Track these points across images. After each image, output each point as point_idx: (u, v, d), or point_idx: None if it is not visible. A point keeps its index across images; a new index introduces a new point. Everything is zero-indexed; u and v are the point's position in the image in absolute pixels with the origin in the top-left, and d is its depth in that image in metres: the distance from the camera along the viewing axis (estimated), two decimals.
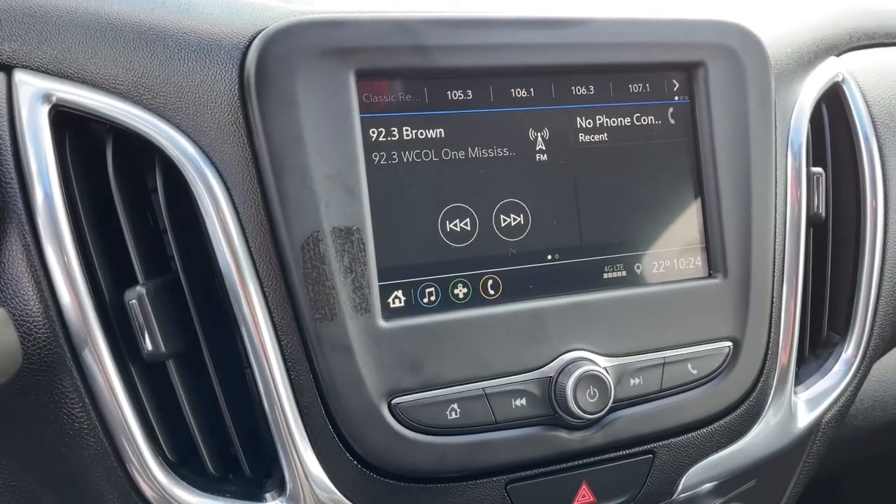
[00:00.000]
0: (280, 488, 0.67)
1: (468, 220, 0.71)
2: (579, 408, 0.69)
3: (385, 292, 0.68)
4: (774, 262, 0.80)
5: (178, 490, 0.65)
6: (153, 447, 0.65)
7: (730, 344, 0.78)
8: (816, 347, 0.91)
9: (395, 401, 0.67)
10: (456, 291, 0.70)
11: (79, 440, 0.64)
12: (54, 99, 0.63)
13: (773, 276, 0.80)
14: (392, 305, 0.68)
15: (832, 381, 0.88)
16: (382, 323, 0.67)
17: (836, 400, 0.88)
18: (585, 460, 0.74)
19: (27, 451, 0.66)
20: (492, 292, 0.72)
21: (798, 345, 0.84)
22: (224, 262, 0.64)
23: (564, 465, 0.73)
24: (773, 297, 0.80)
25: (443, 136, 0.70)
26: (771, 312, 0.80)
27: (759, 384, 0.80)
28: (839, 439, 0.96)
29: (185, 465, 0.67)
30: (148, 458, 0.64)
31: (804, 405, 0.86)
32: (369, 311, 0.66)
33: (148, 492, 0.65)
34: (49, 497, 0.68)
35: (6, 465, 0.67)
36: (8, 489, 0.67)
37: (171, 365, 0.66)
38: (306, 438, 0.66)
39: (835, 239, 0.90)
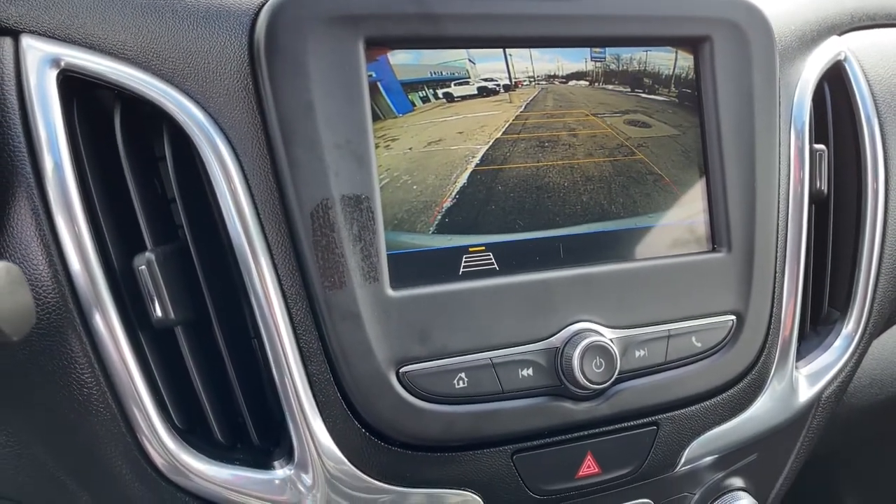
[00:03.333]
0: (288, 457, 0.67)
1: None
2: (585, 378, 0.70)
3: (394, 262, 0.68)
4: (777, 237, 0.81)
5: (187, 457, 0.65)
6: (162, 414, 0.65)
7: (733, 317, 0.78)
8: (817, 324, 0.92)
9: (403, 369, 0.67)
10: None
11: (88, 406, 0.64)
12: (62, 64, 0.62)
13: (776, 251, 0.81)
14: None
15: (832, 357, 0.89)
16: (391, 292, 0.67)
17: (836, 375, 0.89)
18: (590, 431, 0.74)
19: (38, 419, 0.66)
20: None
21: (800, 320, 0.84)
22: (234, 229, 0.64)
23: (570, 436, 0.73)
24: (775, 272, 0.81)
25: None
26: (774, 287, 0.81)
27: (762, 358, 0.81)
28: (837, 418, 0.97)
29: (193, 433, 0.67)
30: (157, 424, 0.64)
31: (805, 380, 0.87)
32: (378, 280, 0.66)
33: (157, 458, 0.65)
34: (58, 465, 0.68)
35: (16, 434, 0.67)
36: (15, 457, 0.67)
37: (180, 332, 0.66)
38: (315, 407, 0.66)
39: (836, 216, 0.91)
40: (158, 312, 0.63)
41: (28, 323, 0.56)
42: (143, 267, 0.63)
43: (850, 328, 0.90)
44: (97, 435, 0.65)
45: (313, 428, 0.66)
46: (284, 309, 0.65)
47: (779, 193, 0.81)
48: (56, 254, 0.61)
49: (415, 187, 0.69)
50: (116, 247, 0.64)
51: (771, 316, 0.81)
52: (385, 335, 0.66)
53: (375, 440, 0.67)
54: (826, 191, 0.88)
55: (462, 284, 0.69)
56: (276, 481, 0.67)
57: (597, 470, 0.75)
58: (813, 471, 1.27)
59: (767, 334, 0.81)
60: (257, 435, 0.68)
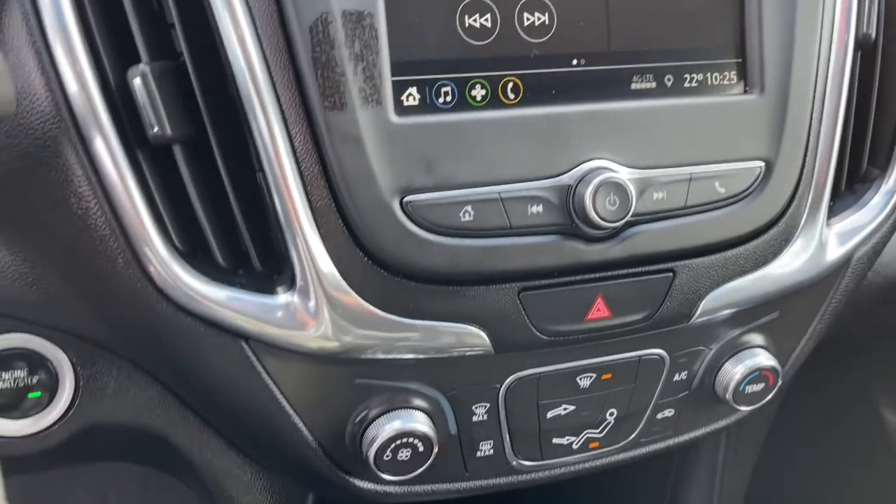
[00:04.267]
0: (290, 283, 0.66)
1: (489, 15, 0.67)
2: (598, 215, 0.67)
3: (399, 88, 0.65)
4: (816, 81, 0.75)
5: (187, 276, 0.65)
6: (162, 234, 0.65)
7: (762, 164, 0.74)
8: (854, 182, 0.87)
9: (407, 199, 0.65)
10: (473, 93, 0.67)
11: (86, 221, 0.64)
12: None
13: (814, 97, 0.76)
14: (406, 103, 0.65)
15: (868, 216, 0.84)
16: (395, 118, 0.64)
17: (870, 235, 0.85)
18: (602, 274, 0.72)
19: (39, 236, 0.66)
20: (511, 96, 0.68)
21: (834, 175, 0.79)
22: (231, 46, 0.61)
23: (580, 277, 0.71)
24: (811, 119, 0.76)
25: None
26: (808, 135, 0.76)
27: (790, 209, 0.77)
28: (870, 289, 0.93)
29: (195, 257, 0.67)
30: (156, 242, 0.64)
31: (836, 237, 0.82)
32: (381, 104, 0.63)
33: (157, 277, 0.65)
34: (64, 285, 0.69)
35: (22, 252, 0.67)
36: (20, 277, 0.68)
37: (178, 151, 0.65)
38: (317, 233, 0.65)
39: (884, 65, 0.84)
40: (154, 127, 0.62)
41: (8, 107, 0.55)
42: (138, 79, 0.61)
43: (891, 185, 0.84)
44: (97, 253, 0.65)
45: (315, 254, 0.65)
46: (285, 131, 0.63)
47: (821, 35, 0.75)
48: (48, 61, 0.60)
49: (423, 9, 0.65)
50: (112, 61, 0.63)
51: (803, 165, 0.76)
52: (388, 162, 0.64)
53: (379, 269, 0.66)
54: (874, 36, 0.81)
55: (472, 114, 0.66)
56: (278, 305, 0.66)
57: (607, 314, 0.73)
58: (841, 357, 1.24)
59: (798, 184, 0.76)
60: (259, 262, 0.68)
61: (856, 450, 1.37)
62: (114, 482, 1.80)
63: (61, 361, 0.74)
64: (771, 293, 0.80)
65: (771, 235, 0.77)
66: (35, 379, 0.73)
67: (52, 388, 0.75)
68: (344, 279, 0.66)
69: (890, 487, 1.30)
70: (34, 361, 0.73)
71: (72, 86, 0.61)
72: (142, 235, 0.64)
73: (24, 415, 0.74)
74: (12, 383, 0.72)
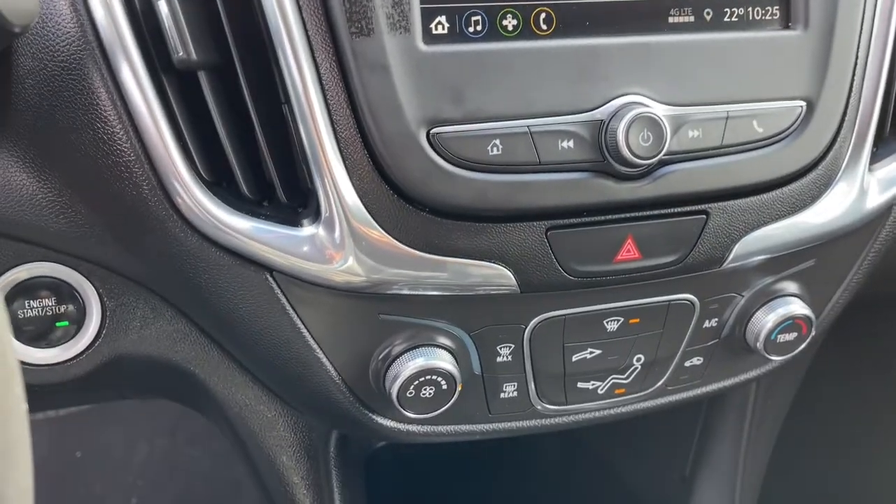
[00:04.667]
0: (315, 216, 0.66)
1: None
2: (630, 152, 0.65)
3: (427, 15, 0.63)
4: (863, 18, 0.72)
5: (213, 206, 0.65)
6: (187, 162, 0.64)
7: (803, 104, 0.71)
8: None
9: (434, 130, 0.63)
10: (504, 23, 0.65)
11: (111, 146, 0.63)
12: None
13: (860, 35, 0.72)
14: (434, 31, 0.64)
15: None
16: (423, 46, 0.62)
17: None
18: (633, 214, 0.70)
19: (66, 162, 0.66)
20: (544, 27, 0.66)
21: (879, 118, 0.76)
22: None
23: (610, 217, 0.70)
24: (856, 58, 0.73)
25: None
26: (853, 74, 0.73)
27: (831, 152, 0.74)
28: None
29: (220, 186, 0.67)
30: (181, 169, 0.64)
31: (878, 184, 0.79)
32: (409, 32, 0.62)
33: (182, 205, 0.65)
34: (90, 213, 0.69)
35: (47, 180, 0.67)
36: (49, 205, 0.68)
37: (203, 77, 0.64)
38: (342, 165, 0.64)
39: None
40: (179, 51, 0.61)
41: (30, 16, 0.54)
42: (163, 2, 0.60)
43: None
44: (122, 178, 0.64)
45: (340, 187, 0.64)
46: (311, 59, 0.62)
47: None
48: None
49: None
50: None
51: (846, 107, 0.73)
52: (415, 92, 0.62)
53: (404, 203, 0.65)
54: None
55: (502, 45, 0.65)
56: (303, 238, 0.66)
57: (637, 255, 0.71)
58: (875, 318, 1.21)
59: (840, 127, 0.73)
60: (285, 194, 0.67)
61: (887, 415, 1.35)
62: (145, 431, 1.85)
63: (88, 292, 0.74)
64: (807, 240, 0.77)
65: (810, 179, 0.74)
66: (63, 308, 0.74)
67: (79, 320, 0.75)
68: (369, 212, 0.65)
69: None
70: (62, 291, 0.73)
71: (97, 8, 0.60)
72: (167, 162, 0.63)
73: (52, 344, 0.75)
74: (40, 311, 0.73)
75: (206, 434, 1.84)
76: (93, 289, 0.74)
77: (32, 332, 0.74)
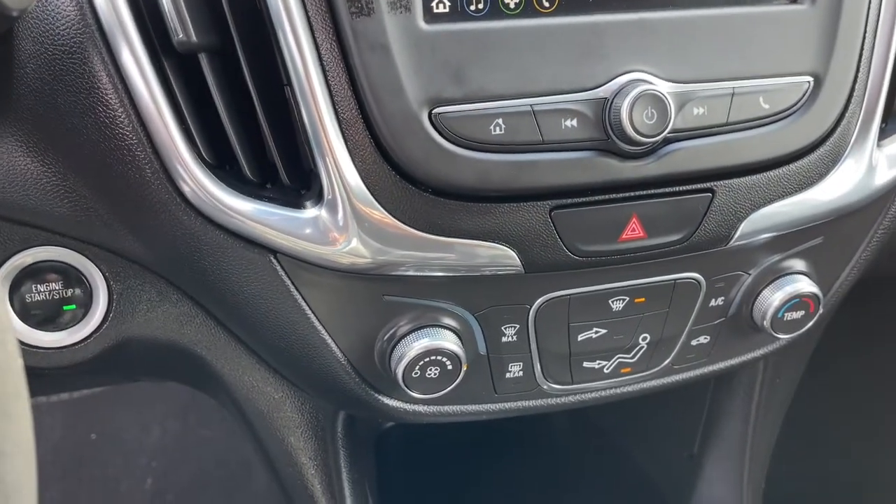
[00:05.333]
0: (318, 198, 0.66)
1: None
2: (634, 130, 0.64)
3: None
4: None
5: (216, 189, 0.65)
6: (189, 145, 0.64)
7: (810, 79, 0.70)
8: None
9: (436, 110, 0.63)
10: (506, 0, 0.65)
11: (113, 129, 0.63)
12: None
13: (868, 8, 0.71)
14: (436, 10, 0.63)
15: None
16: (424, 25, 0.62)
17: None
18: (638, 192, 0.70)
19: (69, 146, 0.66)
20: (546, 4, 0.65)
21: (888, 93, 0.75)
22: None
23: (614, 196, 0.69)
24: (864, 32, 0.72)
25: None
26: (861, 49, 0.72)
27: (839, 128, 0.73)
28: None
29: (222, 169, 0.67)
30: (183, 152, 0.64)
31: (886, 160, 0.78)
32: (410, 11, 0.61)
33: (185, 188, 0.65)
34: (92, 197, 0.69)
35: (51, 164, 0.68)
36: (53, 189, 0.68)
37: (204, 60, 0.63)
38: (343, 146, 0.63)
39: None
40: (179, 34, 0.61)
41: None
42: None
43: None
44: (125, 162, 0.64)
45: (342, 168, 0.64)
46: (311, 40, 0.61)
47: None
48: None
49: None
50: None
51: (854, 82, 0.72)
52: (417, 71, 0.62)
53: (406, 184, 0.65)
54: None
55: (504, 22, 0.64)
56: (306, 220, 0.66)
57: (642, 234, 0.71)
58: (882, 298, 1.20)
59: (848, 102, 0.73)
60: (287, 176, 0.67)
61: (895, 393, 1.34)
62: (158, 414, 1.87)
63: (95, 276, 0.75)
64: (815, 217, 0.77)
65: (817, 156, 0.73)
66: (70, 292, 0.74)
67: (86, 303, 0.76)
68: (371, 193, 0.65)
69: None
70: (69, 275, 0.74)
71: None
72: (169, 145, 0.63)
73: (60, 328, 0.75)
74: (48, 295, 0.73)
75: (217, 415, 1.86)
76: (99, 272, 0.74)
77: (40, 316, 0.74)
